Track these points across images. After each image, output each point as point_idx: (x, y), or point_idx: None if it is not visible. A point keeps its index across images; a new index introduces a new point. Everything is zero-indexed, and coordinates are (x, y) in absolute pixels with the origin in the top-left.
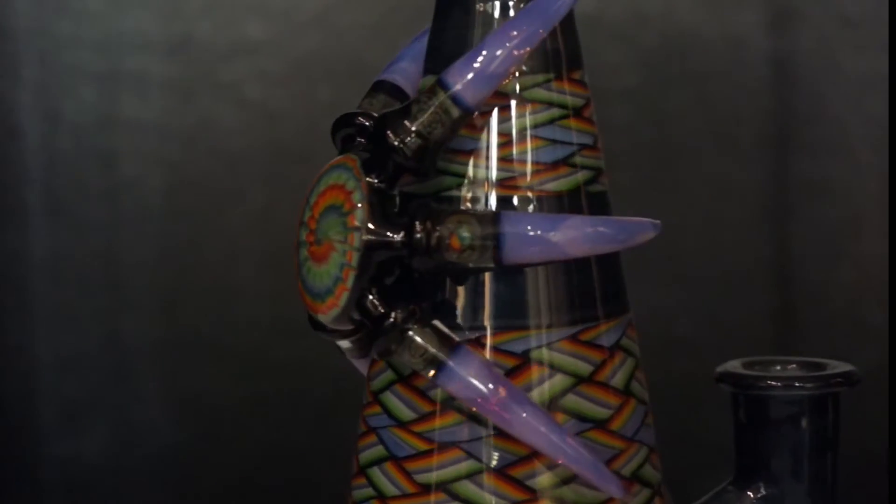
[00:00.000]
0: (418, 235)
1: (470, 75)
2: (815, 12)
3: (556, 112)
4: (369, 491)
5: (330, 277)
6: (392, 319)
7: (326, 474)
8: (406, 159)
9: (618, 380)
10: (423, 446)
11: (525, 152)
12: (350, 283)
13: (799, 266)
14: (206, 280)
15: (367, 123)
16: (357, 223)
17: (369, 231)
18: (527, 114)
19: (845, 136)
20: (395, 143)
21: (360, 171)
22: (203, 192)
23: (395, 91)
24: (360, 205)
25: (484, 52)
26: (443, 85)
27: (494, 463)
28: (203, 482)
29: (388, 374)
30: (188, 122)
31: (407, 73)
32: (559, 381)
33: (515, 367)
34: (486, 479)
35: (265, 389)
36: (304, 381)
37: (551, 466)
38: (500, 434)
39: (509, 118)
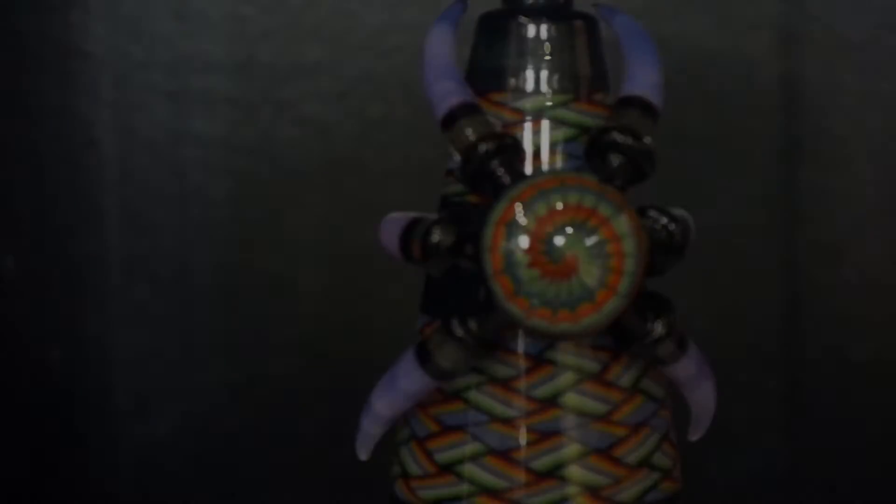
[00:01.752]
0: None
1: (653, 84)
2: (820, 36)
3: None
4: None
5: (584, 288)
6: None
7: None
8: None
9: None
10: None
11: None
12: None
13: (805, 270)
14: (266, 280)
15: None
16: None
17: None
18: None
19: (847, 150)
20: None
21: (616, 193)
22: (264, 200)
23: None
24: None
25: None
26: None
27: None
28: (260, 464)
29: None
30: (250, 137)
31: (468, 91)
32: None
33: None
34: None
35: (324, 382)
36: (361, 376)
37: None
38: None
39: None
